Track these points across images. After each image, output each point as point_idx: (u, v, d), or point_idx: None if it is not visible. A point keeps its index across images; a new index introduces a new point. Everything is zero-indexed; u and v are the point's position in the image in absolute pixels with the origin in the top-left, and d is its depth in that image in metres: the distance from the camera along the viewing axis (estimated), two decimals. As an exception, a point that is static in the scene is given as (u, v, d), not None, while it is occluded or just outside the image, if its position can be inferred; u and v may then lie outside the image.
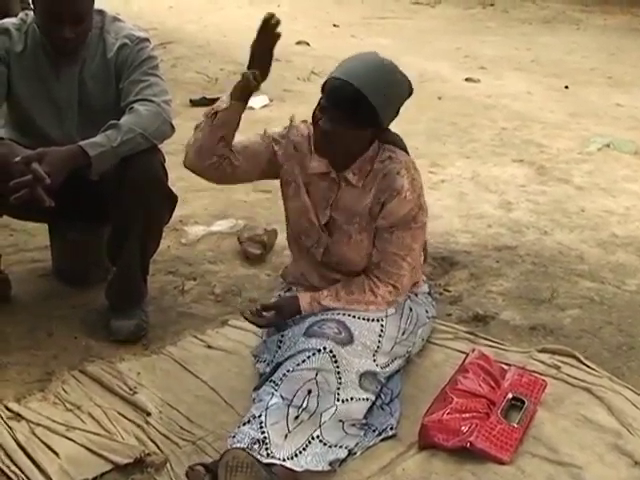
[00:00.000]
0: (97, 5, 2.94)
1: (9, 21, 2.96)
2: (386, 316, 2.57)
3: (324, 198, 2.61)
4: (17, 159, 2.53)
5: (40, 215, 3.00)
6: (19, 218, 3.19)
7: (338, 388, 2.35)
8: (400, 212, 2.51)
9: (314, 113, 2.46)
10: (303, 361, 2.35)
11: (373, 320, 2.53)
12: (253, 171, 2.69)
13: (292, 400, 2.29)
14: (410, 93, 2.53)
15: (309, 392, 2.30)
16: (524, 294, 3.35)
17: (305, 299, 2.59)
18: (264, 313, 2.62)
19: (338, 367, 2.36)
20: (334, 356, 2.36)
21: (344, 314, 2.51)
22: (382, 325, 2.54)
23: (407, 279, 2.62)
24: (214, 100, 6.01)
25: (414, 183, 2.52)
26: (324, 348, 2.36)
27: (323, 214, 2.62)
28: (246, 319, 2.64)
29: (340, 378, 2.36)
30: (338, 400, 2.34)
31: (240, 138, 2.69)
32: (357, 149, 2.53)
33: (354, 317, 2.51)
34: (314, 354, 2.35)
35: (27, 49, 2.90)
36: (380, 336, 2.52)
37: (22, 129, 2.97)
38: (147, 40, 2.97)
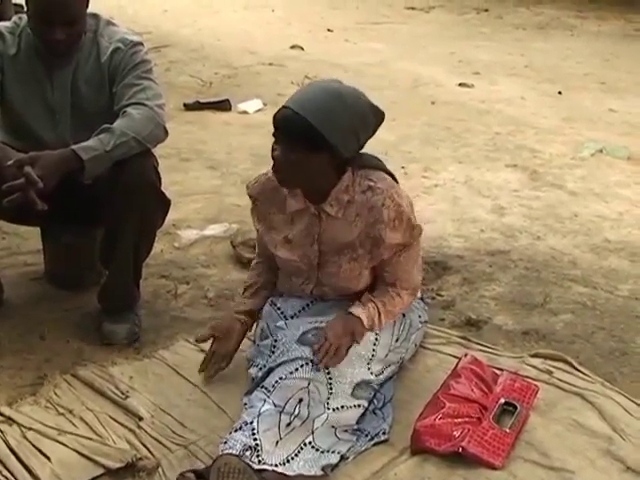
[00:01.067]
0: (91, 9, 2.93)
1: (2, 25, 2.95)
2: (380, 324, 2.57)
3: (309, 234, 2.58)
4: (9, 162, 2.53)
5: (33, 218, 2.99)
6: (11, 221, 3.19)
7: (328, 398, 2.35)
8: (396, 240, 2.50)
9: (272, 145, 2.44)
10: (296, 369, 2.36)
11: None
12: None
13: (284, 407, 2.29)
14: (380, 120, 2.49)
15: (300, 400, 2.31)
16: (517, 299, 3.35)
17: (362, 314, 2.52)
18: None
19: (330, 378, 2.37)
20: (327, 367, 2.37)
21: (338, 322, 2.51)
22: (376, 334, 2.54)
23: (419, 279, 2.71)
24: (207, 104, 5.97)
25: (400, 210, 2.47)
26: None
27: (312, 251, 2.59)
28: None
29: (331, 389, 2.37)
30: (329, 409, 2.34)
31: (258, 244, 2.83)
32: (320, 178, 2.48)
33: None
34: (307, 363, 2.36)
35: (21, 52, 2.90)
36: (374, 344, 2.53)
37: (16, 132, 2.97)
38: (141, 44, 2.96)
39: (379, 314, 2.54)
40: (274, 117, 2.39)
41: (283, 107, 2.37)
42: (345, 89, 2.42)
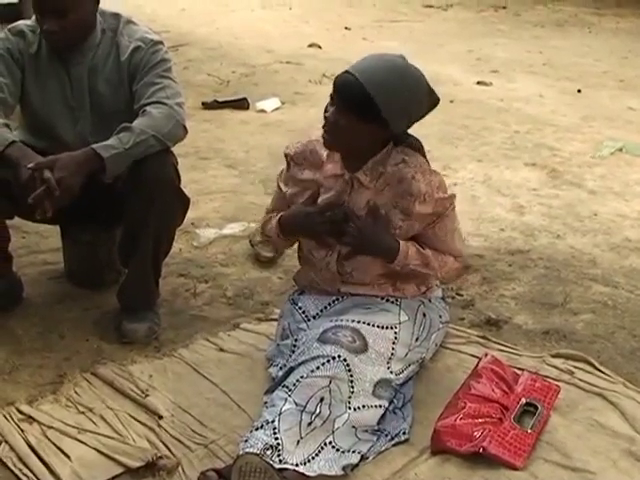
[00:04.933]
0: (110, 8, 2.97)
1: (24, 23, 2.97)
2: (399, 323, 2.56)
3: (338, 200, 2.60)
4: (30, 165, 2.55)
5: (52, 218, 2.98)
6: (31, 220, 3.16)
7: (350, 397, 2.34)
8: (427, 211, 2.53)
9: (326, 106, 2.49)
10: (317, 368, 2.34)
11: (387, 327, 2.53)
12: None
13: (305, 406, 2.28)
14: (433, 104, 2.53)
15: (322, 400, 2.29)
16: (537, 298, 3.34)
17: (401, 242, 2.56)
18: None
19: (352, 376, 2.36)
20: (348, 365, 2.36)
21: (358, 321, 2.50)
22: (396, 332, 2.54)
23: (463, 248, 2.72)
24: (225, 103, 5.97)
25: (432, 184, 2.52)
26: (338, 356, 2.35)
27: None
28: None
29: (353, 387, 2.35)
30: (350, 408, 2.33)
31: (273, 207, 2.82)
32: (365, 147, 2.53)
33: (368, 324, 2.50)
34: (328, 361, 2.34)
35: (41, 50, 2.91)
36: (394, 343, 2.52)
37: (36, 131, 2.99)
38: (161, 43, 2.97)
39: (417, 249, 2.57)
40: (335, 79, 2.44)
41: (346, 72, 2.42)
42: (408, 68, 2.46)
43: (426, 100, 2.50)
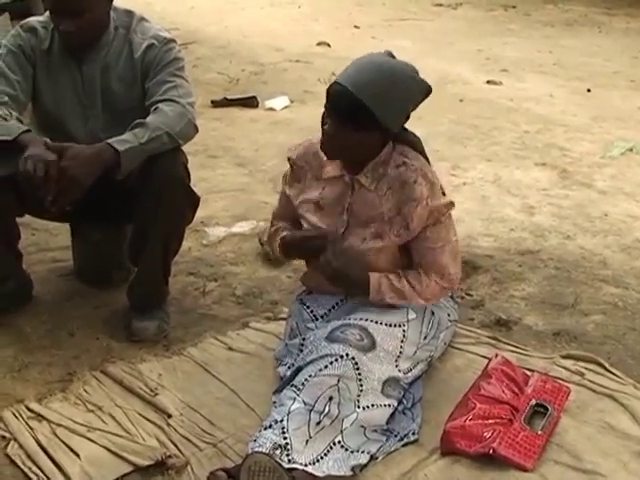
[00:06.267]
0: (121, 5, 2.97)
1: (36, 19, 2.98)
2: (407, 321, 2.56)
3: (339, 203, 2.60)
4: (26, 154, 2.54)
5: (62, 215, 3.01)
6: (41, 217, 3.20)
7: (359, 395, 2.34)
8: (425, 214, 2.51)
9: (322, 116, 2.47)
10: (325, 367, 2.34)
11: (395, 325, 2.53)
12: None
13: (314, 405, 2.28)
14: (425, 94, 2.52)
15: (330, 398, 2.29)
16: (547, 299, 3.32)
17: (375, 275, 2.56)
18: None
19: (360, 374, 2.35)
20: (356, 363, 2.35)
21: (366, 320, 2.50)
22: (404, 330, 2.53)
23: (453, 268, 2.63)
24: (235, 100, 5.98)
25: (434, 189, 2.51)
26: (347, 355, 2.35)
27: (340, 220, 2.60)
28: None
29: (362, 385, 2.35)
30: (359, 407, 2.33)
31: (279, 212, 2.83)
32: (366, 152, 2.53)
33: (376, 323, 2.50)
34: (336, 360, 2.34)
35: (53, 47, 2.92)
36: (402, 341, 2.52)
37: (47, 128, 2.98)
38: (174, 41, 2.98)
39: (391, 283, 2.56)
40: (327, 91, 2.44)
41: (336, 83, 2.41)
42: (396, 65, 2.45)
43: (418, 92, 2.49)
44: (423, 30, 9.71)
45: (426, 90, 2.51)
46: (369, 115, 2.37)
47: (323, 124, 2.46)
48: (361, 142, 2.46)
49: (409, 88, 2.46)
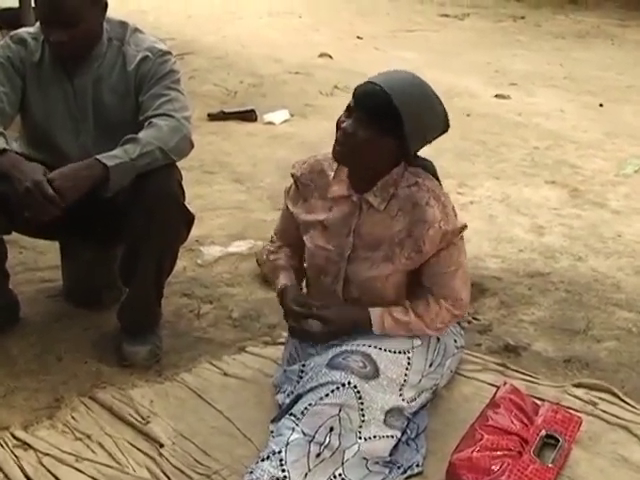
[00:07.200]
0: (113, 15, 2.93)
1: (26, 30, 2.94)
2: (413, 348, 2.50)
3: (346, 224, 2.54)
4: (27, 184, 2.52)
5: (51, 233, 2.99)
6: (29, 235, 3.16)
7: (360, 426, 2.29)
8: (437, 237, 2.44)
9: (339, 118, 2.42)
10: (326, 395, 2.29)
11: (400, 352, 2.47)
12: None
13: (314, 436, 2.24)
14: (445, 129, 2.48)
15: (331, 429, 2.25)
16: (557, 324, 3.27)
17: (376, 312, 2.51)
18: (309, 321, 2.54)
19: (362, 403, 2.30)
20: (358, 392, 2.30)
21: (369, 346, 2.44)
22: (409, 357, 2.48)
23: (464, 293, 2.57)
24: (232, 114, 5.94)
25: (446, 211, 2.45)
26: (348, 383, 2.30)
27: (346, 242, 2.54)
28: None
29: (363, 415, 2.30)
30: (360, 438, 2.28)
31: (280, 229, 2.81)
32: (377, 164, 2.45)
33: (380, 349, 2.44)
34: (338, 388, 2.29)
35: (44, 59, 2.88)
36: (407, 369, 2.46)
37: (36, 143, 2.95)
38: (169, 53, 2.94)
39: (395, 318, 2.51)
40: (356, 89, 2.39)
41: (369, 82, 2.38)
42: (431, 88, 2.44)
43: (442, 122, 2.46)
44: (429, 41, 9.72)
45: (447, 126, 2.48)
46: (397, 121, 2.32)
47: (340, 123, 2.40)
48: (376, 149, 2.39)
49: (438, 114, 2.43)
